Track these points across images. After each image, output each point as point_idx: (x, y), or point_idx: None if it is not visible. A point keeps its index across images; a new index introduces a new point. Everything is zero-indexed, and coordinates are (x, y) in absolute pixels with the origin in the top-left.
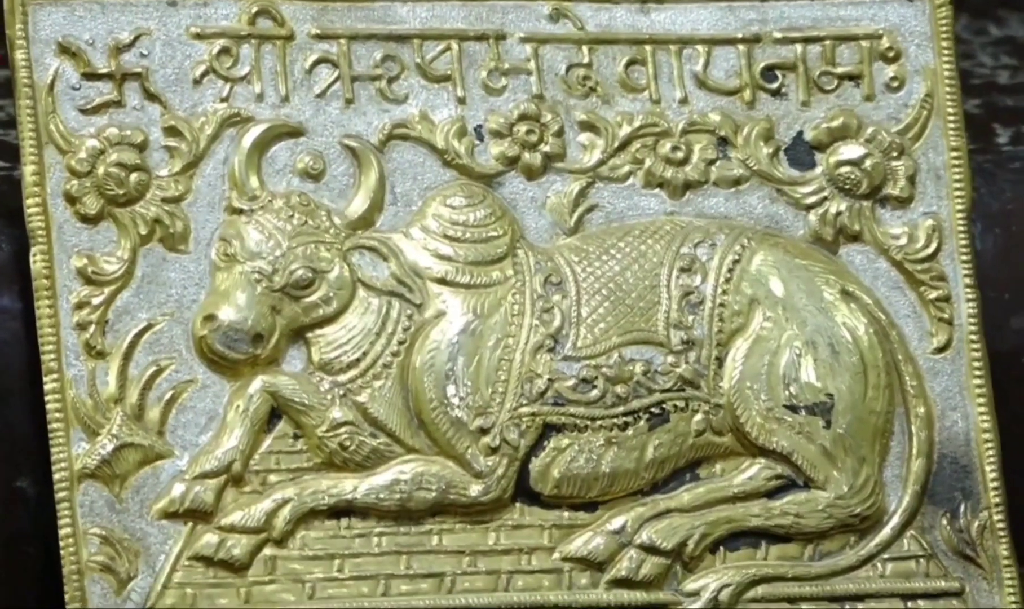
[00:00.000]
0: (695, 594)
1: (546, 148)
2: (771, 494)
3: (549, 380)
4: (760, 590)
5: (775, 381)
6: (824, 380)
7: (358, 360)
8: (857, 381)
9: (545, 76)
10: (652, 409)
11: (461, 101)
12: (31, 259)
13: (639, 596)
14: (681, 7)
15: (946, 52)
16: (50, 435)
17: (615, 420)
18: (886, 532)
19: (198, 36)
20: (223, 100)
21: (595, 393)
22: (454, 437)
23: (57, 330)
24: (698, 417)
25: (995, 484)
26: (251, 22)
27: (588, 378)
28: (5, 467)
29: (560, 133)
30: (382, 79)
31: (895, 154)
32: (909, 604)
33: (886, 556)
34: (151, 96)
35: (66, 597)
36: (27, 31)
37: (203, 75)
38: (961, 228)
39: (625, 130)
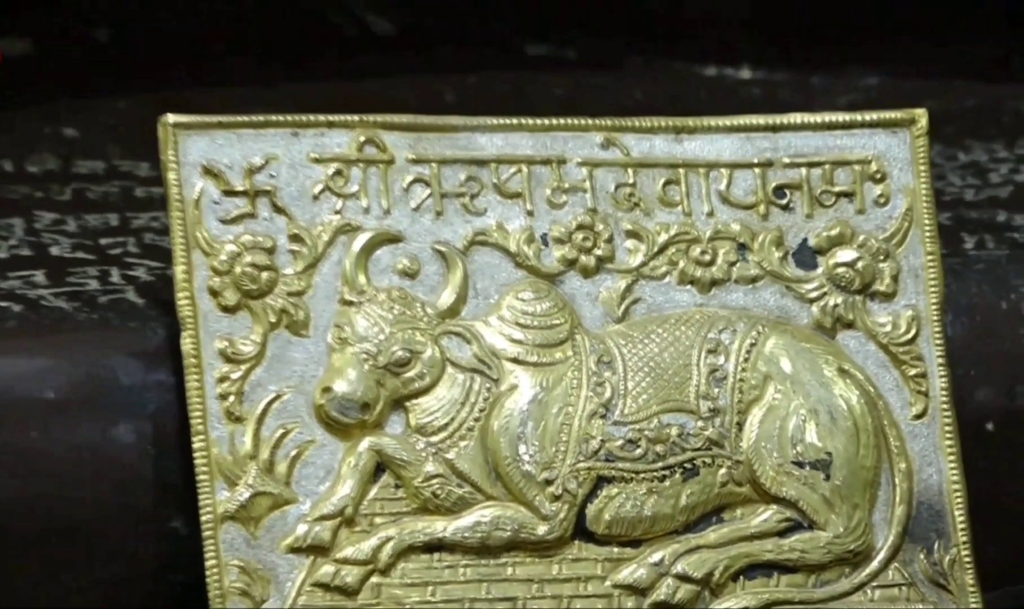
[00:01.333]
0: None
1: (599, 252)
2: (781, 534)
3: (601, 441)
4: None
5: (784, 442)
6: (824, 441)
7: (447, 424)
8: (851, 442)
9: (598, 193)
10: (685, 465)
11: (530, 214)
12: (182, 342)
13: None
14: (708, 137)
15: (923, 174)
16: (198, 485)
17: (655, 473)
18: (874, 565)
19: (317, 160)
20: (337, 212)
21: (639, 452)
22: (525, 487)
23: (203, 400)
24: (722, 471)
25: (963, 526)
26: (359, 149)
27: (633, 439)
28: (161, 511)
29: (610, 240)
30: (466, 195)
31: (882, 257)
32: None
33: (875, 584)
34: (278, 209)
35: None
36: (177, 156)
37: (320, 192)
38: (935, 318)
39: (663, 238)
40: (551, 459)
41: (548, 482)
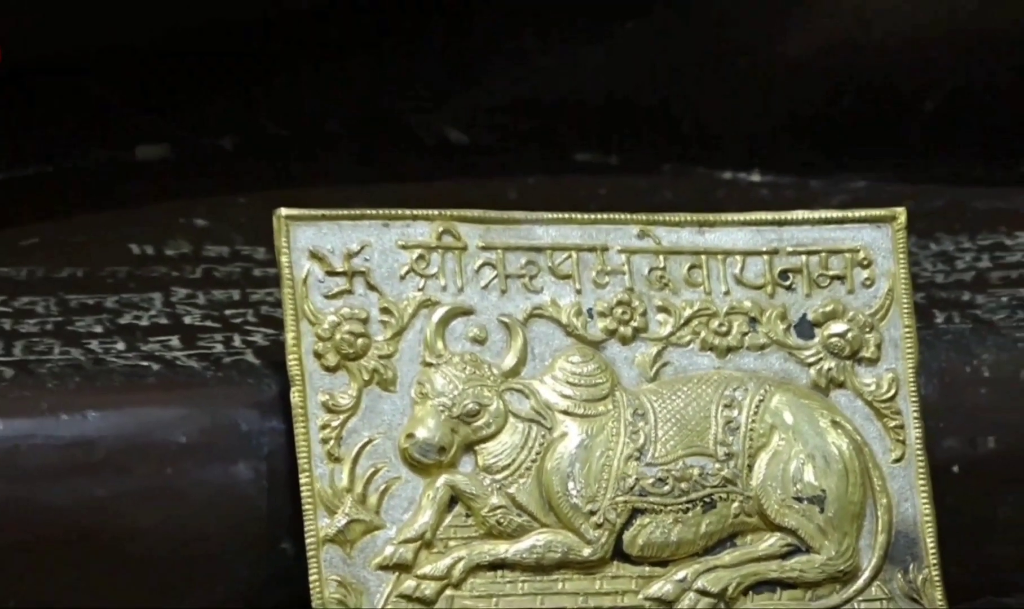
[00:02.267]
0: None
1: (634, 324)
2: (784, 557)
3: (636, 479)
4: None
5: (787, 481)
6: (820, 480)
7: (509, 465)
8: (841, 481)
9: (634, 276)
10: (705, 499)
11: (578, 292)
12: (291, 396)
13: None
14: (725, 230)
15: (902, 261)
16: (304, 514)
17: (680, 506)
18: (860, 583)
19: (403, 247)
20: (419, 290)
21: (667, 488)
22: (572, 517)
23: (308, 444)
24: (735, 505)
25: (933, 551)
26: (439, 238)
27: (662, 478)
28: (273, 535)
29: (644, 314)
30: (525, 276)
31: (868, 329)
32: None
33: (860, 599)
34: (371, 287)
35: None
36: (289, 243)
37: (406, 273)
38: (911, 380)
39: (687, 312)
40: (594, 494)
41: (592, 513)
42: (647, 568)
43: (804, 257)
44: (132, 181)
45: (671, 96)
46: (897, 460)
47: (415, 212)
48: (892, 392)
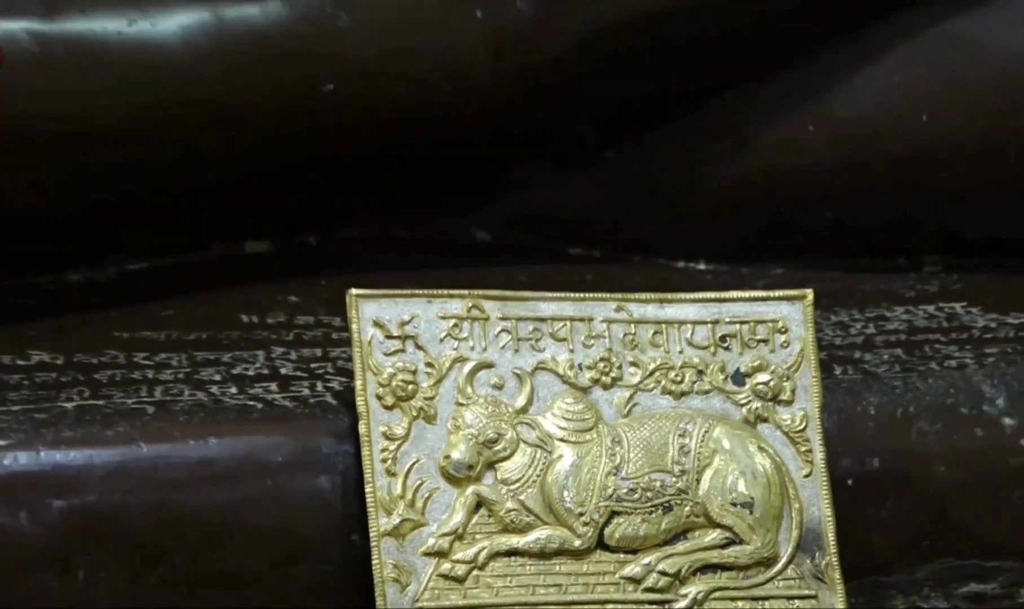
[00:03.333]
0: (685, 596)
1: (612, 375)
2: (723, 547)
3: (614, 490)
4: (716, 595)
5: (725, 491)
6: (749, 490)
7: (520, 478)
8: (765, 491)
9: (612, 339)
10: (664, 504)
11: (571, 351)
12: (359, 427)
13: (657, 596)
14: (679, 305)
15: (810, 328)
16: (368, 514)
17: (646, 509)
18: (779, 566)
19: (442, 318)
20: (454, 350)
21: (636, 496)
22: (567, 517)
23: (372, 463)
24: (687, 509)
25: (833, 543)
26: (468, 311)
27: (633, 488)
28: (347, 530)
29: (619, 367)
30: (532, 340)
31: (785, 379)
32: (793, 603)
33: (779, 579)
34: (419, 347)
35: (376, 596)
36: (357, 314)
37: (444, 337)
38: (817, 416)
39: (652, 366)
40: (583, 500)
41: (581, 514)
42: (622, 555)
43: (738, 325)
44: (242, 268)
45: (641, 210)
46: (807, 475)
47: (451, 292)
48: (803, 426)
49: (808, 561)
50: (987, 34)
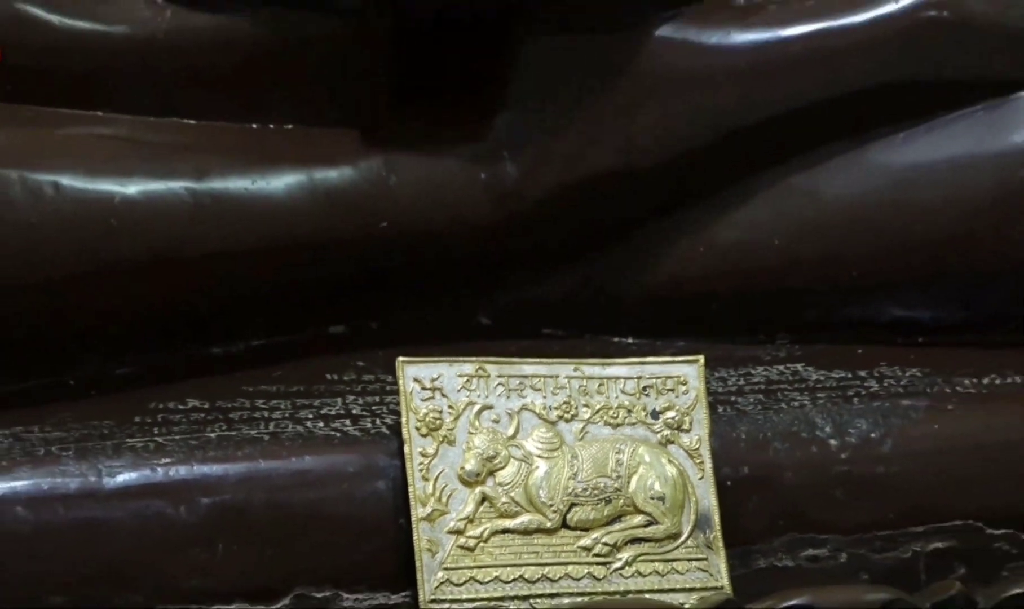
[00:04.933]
0: (620, 559)
1: (572, 413)
2: (645, 526)
3: (573, 488)
4: (641, 557)
5: (647, 489)
6: (663, 489)
7: (511, 481)
8: (673, 490)
9: (572, 389)
10: (606, 498)
11: (544, 397)
12: (404, 448)
13: (602, 559)
14: (616, 366)
15: (702, 381)
16: (411, 506)
17: (594, 501)
18: (683, 539)
19: (459, 376)
20: (467, 397)
21: (588, 493)
22: (542, 508)
23: (412, 473)
24: (621, 501)
25: (718, 525)
26: (476, 371)
27: (585, 488)
28: (396, 517)
29: (576, 408)
30: (519, 389)
31: (686, 415)
32: (692, 563)
33: (683, 547)
34: (443, 395)
35: (415, 560)
36: (403, 374)
37: (460, 388)
38: (707, 440)
39: (597, 407)
40: (553, 496)
41: (551, 506)
42: (578, 533)
43: (655, 380)
44: (327, 344)
45: (591, 303)
46: (700, 479)
47: (465, 359)
48: (698, 446)
49: (702, 536)
50: (817, 186)
